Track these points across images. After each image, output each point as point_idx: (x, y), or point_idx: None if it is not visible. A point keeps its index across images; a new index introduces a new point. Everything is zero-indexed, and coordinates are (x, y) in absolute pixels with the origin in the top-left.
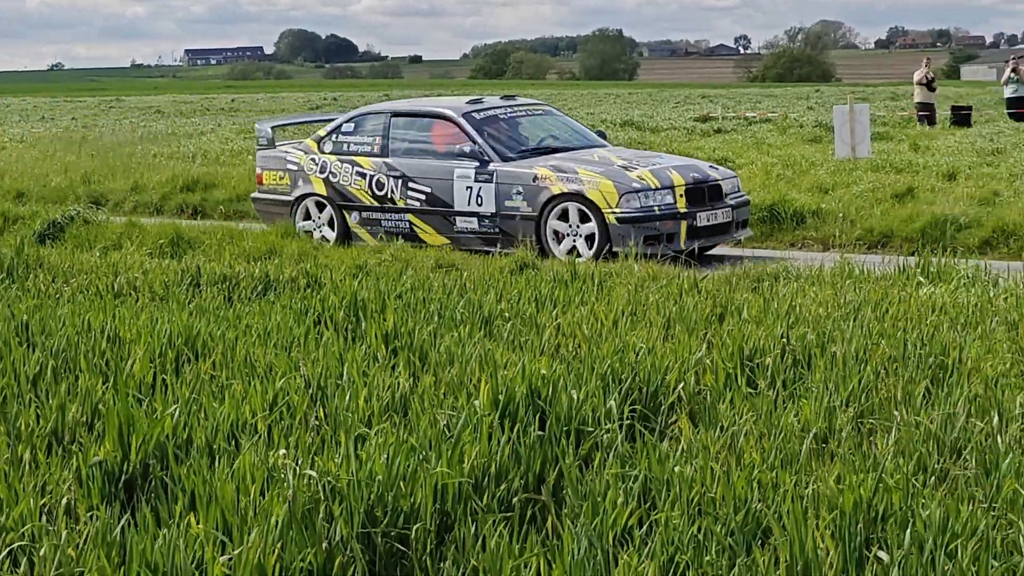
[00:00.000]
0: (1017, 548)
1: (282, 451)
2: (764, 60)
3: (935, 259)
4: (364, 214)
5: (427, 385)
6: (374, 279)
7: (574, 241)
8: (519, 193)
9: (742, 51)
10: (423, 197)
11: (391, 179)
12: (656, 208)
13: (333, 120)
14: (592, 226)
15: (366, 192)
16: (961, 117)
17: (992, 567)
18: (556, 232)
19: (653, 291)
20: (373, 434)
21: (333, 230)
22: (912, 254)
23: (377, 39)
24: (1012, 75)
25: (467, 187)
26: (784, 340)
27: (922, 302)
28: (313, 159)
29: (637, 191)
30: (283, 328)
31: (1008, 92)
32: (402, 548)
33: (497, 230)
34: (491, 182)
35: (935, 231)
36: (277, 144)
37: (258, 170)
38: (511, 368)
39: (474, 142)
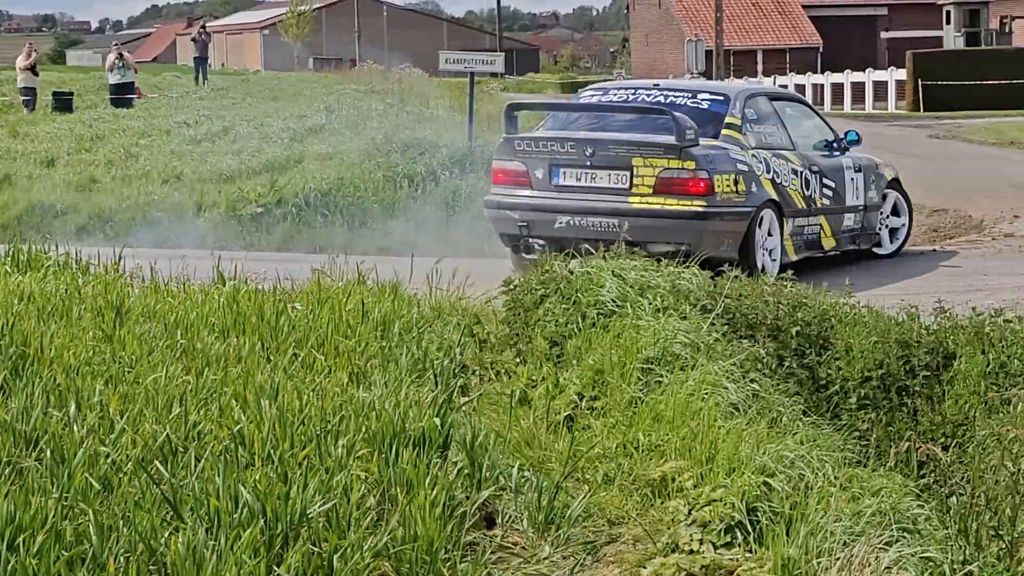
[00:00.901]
0: (87, 537)
1: None
2: None
3: (26, 247)
4: (796, 222)
5: None
6: None
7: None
8: (873, 182)
9: None
10: (830, 194)
11: (814, 176)
12: None
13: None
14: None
15: (799, 193)
16: (63, 103)
17: (62, 556)
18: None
19: None
20: None
21: (772, 256)
22: (9, 242)
23: None
24: (117, 61)
25: (851, 179)
26: None
27: (10, 291)
28: (756, 155)
29: None
30: None
31: (113, 79)
32: None
33: (861, 225)
34: (860, 171)
35: (33, 218)
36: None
37: (701, 174)
38: None
39: (831, 128)
